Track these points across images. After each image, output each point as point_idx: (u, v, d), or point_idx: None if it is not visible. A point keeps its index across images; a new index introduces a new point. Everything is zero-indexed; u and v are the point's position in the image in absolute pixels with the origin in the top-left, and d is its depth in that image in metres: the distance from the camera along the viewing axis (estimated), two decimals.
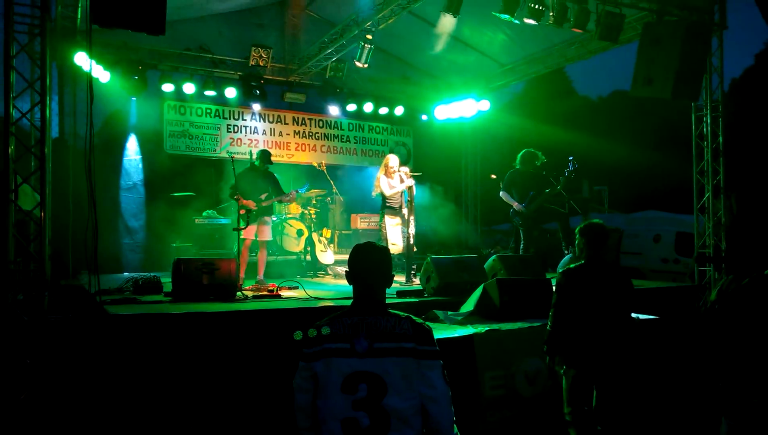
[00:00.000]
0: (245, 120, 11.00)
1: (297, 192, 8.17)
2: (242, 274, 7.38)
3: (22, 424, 4.14)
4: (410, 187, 7.67)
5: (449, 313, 5.59)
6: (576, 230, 4.14)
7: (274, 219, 8.57)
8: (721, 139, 8.07)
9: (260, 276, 7.54)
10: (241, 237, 7.19)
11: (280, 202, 8.29)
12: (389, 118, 11.84)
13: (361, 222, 10.74)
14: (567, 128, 20.40)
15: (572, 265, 4.08)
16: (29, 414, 4.17)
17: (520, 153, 8.15)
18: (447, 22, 8.82)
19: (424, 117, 12.18)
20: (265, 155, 7.80)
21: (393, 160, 7.91)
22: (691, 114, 8.33)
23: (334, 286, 7.96)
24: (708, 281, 7.95)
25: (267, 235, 7.70)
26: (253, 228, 7.41)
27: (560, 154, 12.72)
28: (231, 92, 10.02)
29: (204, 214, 9.55)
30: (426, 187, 10.86)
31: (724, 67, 8.11)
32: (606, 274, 3.98)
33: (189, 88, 9.71)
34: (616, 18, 7.53)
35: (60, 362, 4.38)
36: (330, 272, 9.45)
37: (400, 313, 2.38)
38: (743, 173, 13.08)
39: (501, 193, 8.09)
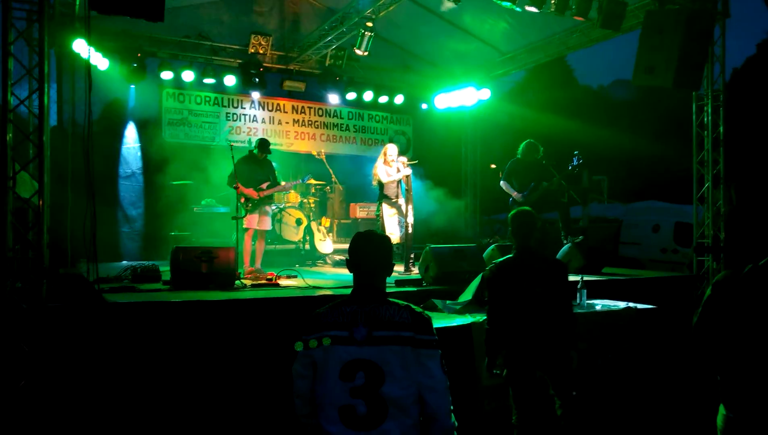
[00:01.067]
0: (244, 108, 10.96)
1: (299, 182, 8.16)
2: (247, 263, 7.39)
3: (21, 411, 4.15)
4: (407, 177, 7.65)
5: (448, 302, 5.60)
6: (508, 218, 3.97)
7: (274, 208, 8.57)
8: (721, 128, 8.04)
9: (258, 265, 7.54)
10: (244, 226, 7.20)
11: (279, 191, 8.28)
12: (389, 107, 11.79)
13: (360, 211, 10.73)
14: (568, 117, 20.37)
15: (501, 259, 3.92)
16: (28, 401, 4.18)
17: (522, 143, 8.14)
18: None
19: (424, 106, 12.14)
20: (264, 144, 7.79)
21: (392, 149, 7.90)
22: (691, 103, 8.30)
23: (332, 275, 7.96)
24: (706, 271, 7.95)
25: (267, 224, 7.71)
26: (254, 217, 7.41)
27: (561, 143, 12.70)
28: (230, 80, 9.96)
29: (203, 202, 9.53)
30: (425, 176, 10.84)
31: (726, 56, 8.07)
32: (536, 265, 3.79)
33: (188, 75, 9.66)
34: (618, 6, 7.47)
35: (59, 350, 4.39)
36: (329, 261, 9.46)
37: (400, 301, 2.38)
38: (743, 163, 13.06)
39: (501, 182, 8.09)
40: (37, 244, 5.07)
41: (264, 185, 7.56)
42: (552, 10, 7.40)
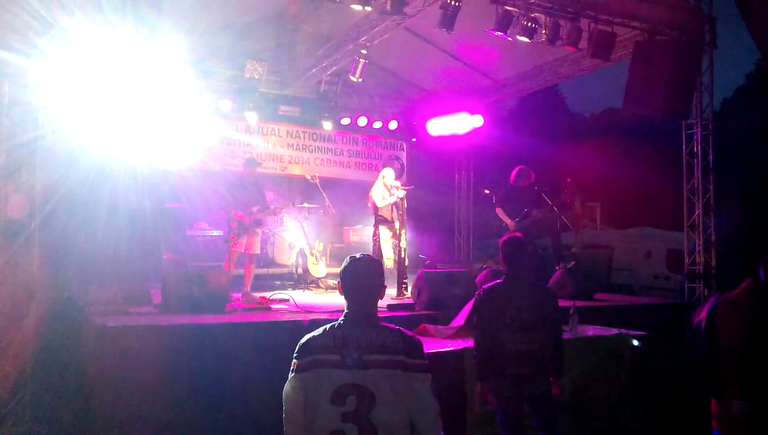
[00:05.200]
0: (240, 132, 11.00)
1: (289, 206, 8.16)
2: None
3: None
4: (402, 200, 7.69)
5: (439, 327, 5.59)
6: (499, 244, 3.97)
7: (266, 231, 8.53)
8: (711, 157, 8.16)
9: (246, 288, 7.45)
10: (230, 249, 7.15)
11: (269, 215, 8.23)
12: (383, 132, 11.89)
13: (354, 235, 10.73)
14: (560, 144, 20.55)
15: (490, 283, 3.91)
16: (15, 425, 4.12)
17: (515, 169, 8.21)
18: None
19: (418, 131, 12.24)
20: (253, 163, 7.75)
21: (389, 174, 7.98)
22: (681, 132, 8.42)
23: (325, 299, 7.93)
24: (698, 298, 7.98)
25: (256, 247, 7.57)
26: (241, 241, 7.34)
27: (553, 169, 12.79)
28: (225, 105, 10.04)
29: (196, 225, 9.51)
30: (419, 200, 10.89)
31: (716, 85, 8.22)
32: (525, 291, 3.77)
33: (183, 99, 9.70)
34: (608, 36, 7.62)
35: (48, 373, 4.34)
36: (321, 285, 9.42)
37: (391, 325, 2.39)
38: (733, 191, 13.18)
39: (496, 209, 8.13)
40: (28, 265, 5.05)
41: (254, 208, 7.51)
42: (543, 40, 7.54)
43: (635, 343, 6.18)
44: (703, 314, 2.82)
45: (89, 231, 5.65)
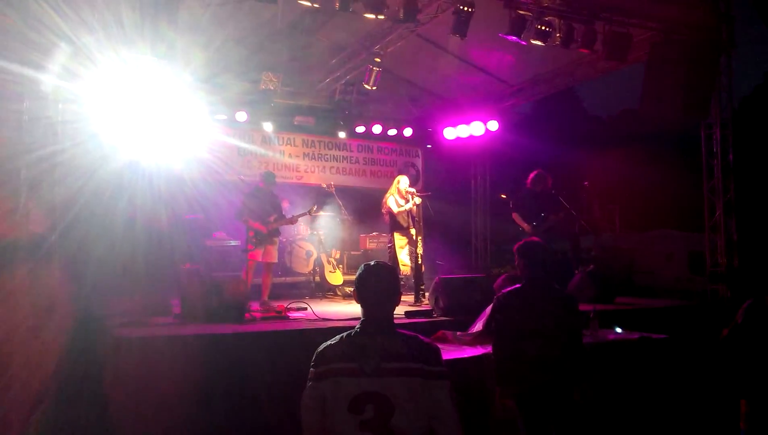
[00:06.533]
0: (255, 143, 11.07)
1: (304, 214, 8.20)
2: None
3: None
4: (418, 207, 7.68)
5: (458, 333, 5.55)
6: (515, 249, 3.88)
7: (283, 240, 8.57)
8: (731, 156, 8.03)
9: (264, 297, 7.50)
10: (248, 259, 7.21)
11: (286, 224, 8.28)
12: (398, 139, 11.90)
13: (370, 243, 10.72)
14: (577, 147, 20.38)
15: (509, 288, 3.84)
16: None
17: (532, 173, 8.16)
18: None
19: (433, 137, 12.23)
20: (271, 177, 7.87)
21: (403, 181, 7.98)
22: (700, 132, 8.30)
23: (342, 306, 7.93)
24: (721, 300, 7.84)
25: (273, 257, 7.68)
26: (258, 251, 7.41)
27: (570, 173, 12.68)
28: (241, 116, 10.13)
29: (214, 235, 9.58)
30: (435, 207, 10.86)
31: (735, 84, 8.12)
32: (545, 297, 3.69)
33: (200, 111, 9.81)
34: (623, 38, 7.55)
35: (68, 384, 4.38)
36: (339, 293, 9.43)
37: (408, 332, 2.37)
38: (755, 191, 12.97)
39: (513, 214, 8.08)
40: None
41: (271, 218, 7.58)
42: (557, 43, 7.49)
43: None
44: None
45: (108, 242, 5.70)
